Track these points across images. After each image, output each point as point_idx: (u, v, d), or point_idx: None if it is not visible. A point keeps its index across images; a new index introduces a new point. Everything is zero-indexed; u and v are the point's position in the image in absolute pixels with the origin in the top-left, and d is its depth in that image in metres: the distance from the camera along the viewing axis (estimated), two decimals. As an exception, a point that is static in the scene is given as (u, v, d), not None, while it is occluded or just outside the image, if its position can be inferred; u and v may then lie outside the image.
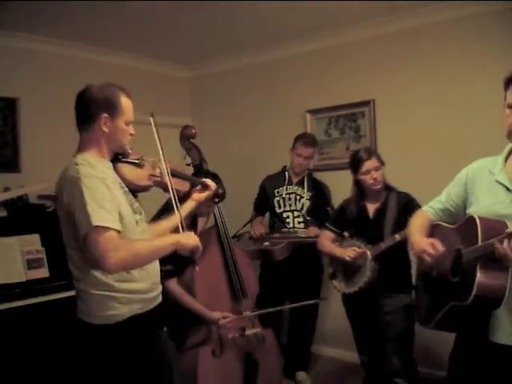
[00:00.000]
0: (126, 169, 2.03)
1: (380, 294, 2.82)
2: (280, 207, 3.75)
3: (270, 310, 2.86)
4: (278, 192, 3.77)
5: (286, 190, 3.75)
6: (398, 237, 2.70)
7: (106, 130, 1.86)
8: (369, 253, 2.80)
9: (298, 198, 3.72)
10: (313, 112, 4.20)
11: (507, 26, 3.23)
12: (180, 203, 2.10)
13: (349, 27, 3.84)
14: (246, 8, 3.39)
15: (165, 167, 2.07)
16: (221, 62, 4.67)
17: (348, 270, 2.91)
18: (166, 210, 2.37)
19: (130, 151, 2.04)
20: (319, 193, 3.71)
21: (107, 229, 1.69)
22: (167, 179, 2.06)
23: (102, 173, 1.80)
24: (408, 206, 2.76)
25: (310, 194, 3.70)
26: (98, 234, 1.67)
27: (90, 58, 4.12)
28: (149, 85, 4.36)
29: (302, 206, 3.70)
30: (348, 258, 2.84)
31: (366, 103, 3.89)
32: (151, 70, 4.55)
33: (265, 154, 4.37)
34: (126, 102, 1.90)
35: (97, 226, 1.67)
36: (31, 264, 2.99)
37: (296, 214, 3.71)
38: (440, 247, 1.81)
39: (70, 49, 3.98)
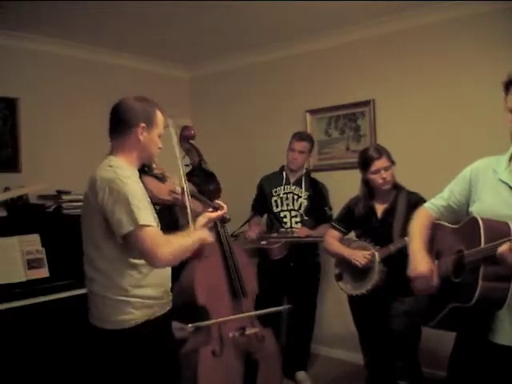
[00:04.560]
0: (150, 181, 2.11)
1: (387, 297, 2.78)
2: (277, 207, 3.75)
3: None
4: (275, 192, 3.77)
5: (284, 189, 3.75)
6: (407, 239, 2.65)
7: (141, 138, 1.93)
8: (377, 255, 2.76)
9: (296, 197, 3.71)
10: (313, 112, 4.20)
11: (508, 25, 3.23)
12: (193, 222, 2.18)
13: (349, 27, 3.84)
14: (246, 8, 3.39)
15: (186, 188, 2.18)
16: (221, 62, 4.66)
17: (355, 271, 2.85)
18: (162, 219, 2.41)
19: (154, 165, 2.15)
20: (317, 192, 3.71)
21: (151, 226, 1.78)
22: (186, 200, 2.16)
23: (136, 178, 1.90)
24: (418, 206, 2.70)
25: (307, 193, 3.70)
26: (145, 232, 1.76)
27: (90, 57, 4.12)
28: (148, 85, 4.36)
29: (300, 205, 3.70)
30: (360, 265, 2.78)
31: (366, 103, 3.89)
32: (151, 70, 4.55)
33: (264, 154, 4.36)
34: (160, 116, 2.00)
35: (143, 225, 1.75)
36: (31, 264, 2.98)
37: (293, 213, 3.71)
38: (435, 280, 1.83)
39: (70, 49, 3.98)
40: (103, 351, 1.89)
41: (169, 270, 2.03)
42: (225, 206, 2.36)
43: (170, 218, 2.64)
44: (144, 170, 2.09)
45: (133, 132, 1.91)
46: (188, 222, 2.11)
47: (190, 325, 2.54)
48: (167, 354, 1.98)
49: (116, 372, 1.87)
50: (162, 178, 2.19)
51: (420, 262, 1.88)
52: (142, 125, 1.91)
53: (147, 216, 1.79)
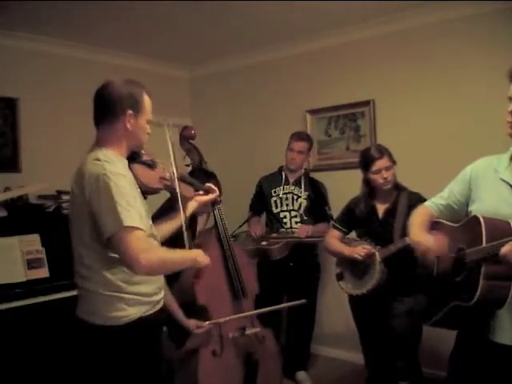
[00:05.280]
0: (139, 169, 2.03)
1: (388, 297, 2.79)
2: (277, 207, 3.75)
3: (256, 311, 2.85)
4: (274, 192, 3.77)
5: (283, 189, 3.75)
6: (408, 239, 2.64)
7: (129, 127, 1.82)
8: (378, 255, 2.76)
9: (295, 197, 3.71)
10: (313, 112, 4.20)
11: (508, 25, 3.23)
12: (183, 208, 2.12)
13: (349, 27, 3.84)
14: (246, 8, 3.39)
15: (175, 172, 2.10)
16: (221, 62, 4.67)
17: (356, 271, 2.87)
18: (165, 211, 2.38)
19: (143, 151, 2.06)
20: (316, 192, 3.71)
21: (137, 228, 1.69)
22: (176, 185, 2.08)
23: (125, 171, 1.80)
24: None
25: (307, 193, 3.70)
26: (129, 234, 1.67)
27: (90, 57, 4.12)
28: (148, 85, 4.31)
29: (300, 205, 3.70)
30: (359, 257, 2.78)
31: (366, 103, 3.89)
32: (151, 70, 4.54)
33: (265, 154, 4.37)
34: (147, 100, 1.89)
35: (127, 227, 1.66)
36: (31, 264, 2.98)
37: (293, 213, 3.70)
38: (443, 242, 1.80)
39: (70, 49, 3.98)
40: (91, 346, 1.84)
41: None
42: (216, 189, 2.33)
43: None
44: (133, 157, 1.99)
45: (120, 121, 1.80)
46: (181, 207, 2.05)
47: (207, 322, 2.58)
48: (158, 353, 1.94)
49: (105, 367, 1.82)
50: (151, 165, 2.08)
51: (421, 235, 1.92)
52: (129, 112, 1.80)
53: (135, 218, 1.69)
